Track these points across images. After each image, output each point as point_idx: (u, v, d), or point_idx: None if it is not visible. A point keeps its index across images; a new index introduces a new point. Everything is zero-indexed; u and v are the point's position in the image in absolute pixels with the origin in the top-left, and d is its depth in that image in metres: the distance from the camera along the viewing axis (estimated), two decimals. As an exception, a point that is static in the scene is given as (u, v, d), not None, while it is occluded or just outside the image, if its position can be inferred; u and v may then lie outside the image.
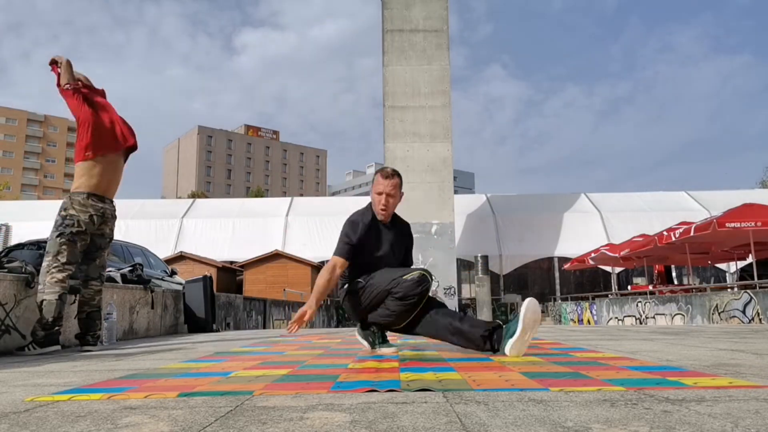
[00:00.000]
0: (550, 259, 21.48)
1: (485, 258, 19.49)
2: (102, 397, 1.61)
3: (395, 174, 3.13)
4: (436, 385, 1.69)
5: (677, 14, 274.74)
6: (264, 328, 11.46)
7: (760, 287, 9.76)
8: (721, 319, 10.21)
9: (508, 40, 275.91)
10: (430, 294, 2.93)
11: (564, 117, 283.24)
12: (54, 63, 3.83)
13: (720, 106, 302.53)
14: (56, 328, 3.54)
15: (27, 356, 3.28)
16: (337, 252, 2.93)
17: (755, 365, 2.16)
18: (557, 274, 21.34)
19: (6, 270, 3.75)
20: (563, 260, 20.33)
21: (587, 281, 22.49)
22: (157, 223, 21.92)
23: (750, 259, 12.89)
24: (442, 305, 3.02)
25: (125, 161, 4.04)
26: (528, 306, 2.58)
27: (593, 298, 16.77)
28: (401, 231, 3.17)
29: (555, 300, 20.76)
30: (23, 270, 3.79)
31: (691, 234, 11.41)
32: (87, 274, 3.87)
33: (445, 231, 15.67)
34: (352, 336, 4.38)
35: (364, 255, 2.96)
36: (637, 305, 13.53)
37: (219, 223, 22.11)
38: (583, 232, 21.10)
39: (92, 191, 3.74)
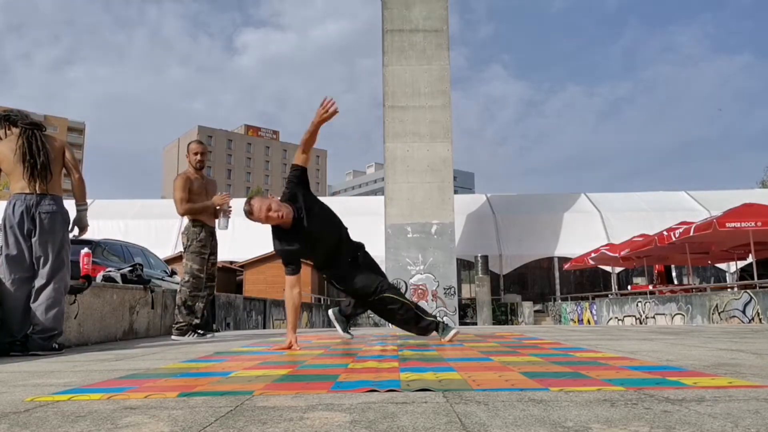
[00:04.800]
0: (550, 259, 21.47)
1: (485, 258, 19.55)
2: (102, 397, 1.61)
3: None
4: (436, 385, 1.69)
5: (678, 15, 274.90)
6: (264, 328, 11.46)
7: (760, 287, 9.76)
8: (721, 319, 10.21)
9: (509, 40, 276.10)
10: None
11: (564, 117, 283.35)
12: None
13: (720, 106, 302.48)
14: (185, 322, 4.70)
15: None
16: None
17: (755, 365, 2.16)
18: (557, 274, 21.33)
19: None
20: (563, 260, 20.33)
21: (587, 281, 22.49)
22: (157, 223, 21.90)
23: (750, 259, 12.89)
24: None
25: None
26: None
27: (593, 298, 16.78)
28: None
29: (555, 300, 20.77)
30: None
31: (691, 234, 11.41)
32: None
33: (445, 231, 15.65)
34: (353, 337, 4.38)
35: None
36: (637, 305, 13.53)
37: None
38: (583, 232, 21.09)
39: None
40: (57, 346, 3.51)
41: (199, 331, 4.97)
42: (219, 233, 4.97)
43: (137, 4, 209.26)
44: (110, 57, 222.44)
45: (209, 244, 4.83)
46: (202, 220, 4.81)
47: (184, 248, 4.83)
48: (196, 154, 4.94)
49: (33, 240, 3.47)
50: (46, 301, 3.46)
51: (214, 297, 7.47)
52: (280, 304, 13.34)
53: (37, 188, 3.51)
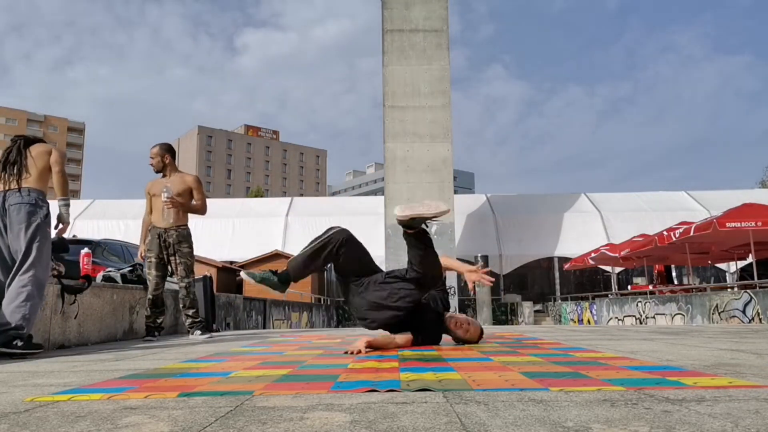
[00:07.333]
0: (550, 259, 21.48)
1: (485, 258, 19.56)
2: (102, 397, 1.61)
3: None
4: (436, 385, 1.69)
5: (678, 14, 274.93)
6: (264, 328, 11.47)
7: (760, 287, 9.75)
8: (721, 319, 10.21)
9: (510, 40, 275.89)
10: None
11: (565, 117, 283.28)
12: None
13: (720, 106, 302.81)
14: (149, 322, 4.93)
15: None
16: None
17: (755, 365, 2.16)
18: (557, 274, 21.34)
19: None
20: (563, 260, 20.33)
21: (587, 281, 22.49)
22: (157, 223, 21.91)
23: (750, 259, 12.88)
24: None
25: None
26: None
27: (593, 298, 16.78)
28: None
29: (555, 300, 20.76)
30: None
31: (691, 234, 11.42)
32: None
33: (445, 231, 15.66)
34: (353, 336, 4.39)
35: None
36: (637, 305, 13.54)
37: (219, 223, 22.11)
38: (583, 232, 21.10)
39: None
40: (20, 344, 3.17)
41: (198, 330, 5.01)
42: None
43: (138, 4, 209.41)
44: (111, 57, 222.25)
45: (155, 245, 4.90)
46: (152, 224, 4.95)
47: None
48: (150, 158, 4.99)
49: (7, 235, 3.43)
50: (8, 295, 3.31)
51: (213, 296, 7.49)
52: (279, 304, 13.35)
53: (8, 185, 3.49)
